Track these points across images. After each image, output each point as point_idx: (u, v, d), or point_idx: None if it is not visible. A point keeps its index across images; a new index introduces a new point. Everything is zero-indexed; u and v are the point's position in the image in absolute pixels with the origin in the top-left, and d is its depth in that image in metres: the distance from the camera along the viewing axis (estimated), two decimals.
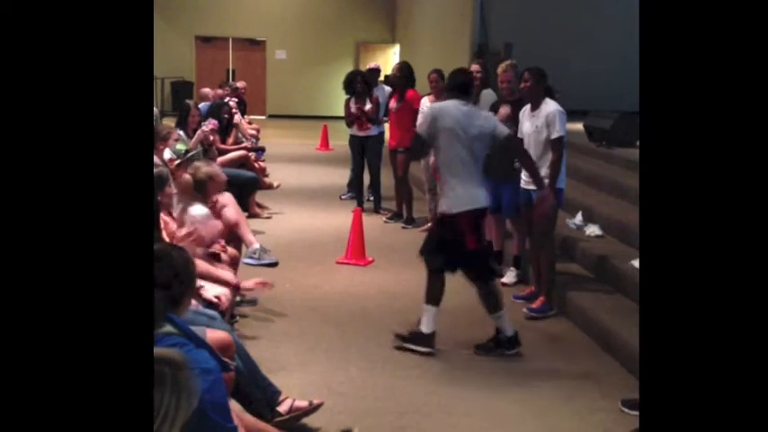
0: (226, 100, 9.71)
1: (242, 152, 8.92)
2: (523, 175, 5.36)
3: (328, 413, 3.71)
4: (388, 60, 19.25)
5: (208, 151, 7.49)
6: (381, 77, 9.76)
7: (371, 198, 9.07)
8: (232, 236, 5.45)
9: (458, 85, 4.73)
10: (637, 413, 3.58)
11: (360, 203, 8.66)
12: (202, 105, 9.21)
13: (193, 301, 3.69)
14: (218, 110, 8.80)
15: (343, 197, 9.62)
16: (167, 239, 3.94)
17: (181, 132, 7.03)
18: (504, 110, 5.83)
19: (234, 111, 9.50)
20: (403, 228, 8.21)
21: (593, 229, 6.44)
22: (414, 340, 4.63)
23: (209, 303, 3.91)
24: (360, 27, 21.08)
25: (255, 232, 6.73)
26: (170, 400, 1.58)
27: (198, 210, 4.50)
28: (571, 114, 5.32)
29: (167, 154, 5.79)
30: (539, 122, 5.16)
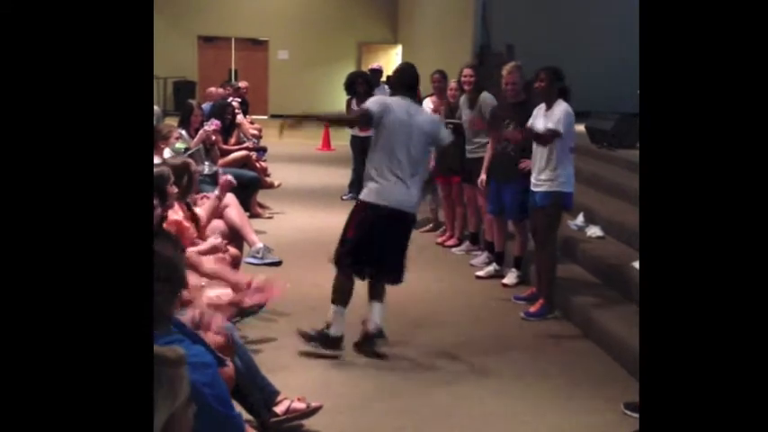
0: (229, 100, 9.71)
1: (244, 152, 8.93)
2: (533, 178, 5.33)
3: (328, 413, 3.71)
4: (390, 61, 19.24)
5: (210, 151, 7.49)
6: (383, 78, 9.76)
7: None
8: (234, 236, 5.46)
9: (405, 84, 4.69)
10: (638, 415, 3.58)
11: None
12: (205, 105, 9.21)
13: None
14: (221, 110, 8.80)
15: (344, 197, 9.62)
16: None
17: (183, 132, 7.03)
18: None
19: (236, 111, 9.51)
20: None
21: (594, 231, 6.44)
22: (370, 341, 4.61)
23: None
24: (362, 27, 21.09)
25: (257, 232, 6.73)
26: (157, 393, 1.60)
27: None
28: (575, 117, 5.29)
29: (167, 153, 5.79)
30: (550, 123, 5.13)
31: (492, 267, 6.39)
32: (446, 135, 4.64)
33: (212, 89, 11.18)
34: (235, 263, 4.92)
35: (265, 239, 6.82)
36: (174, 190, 4.12)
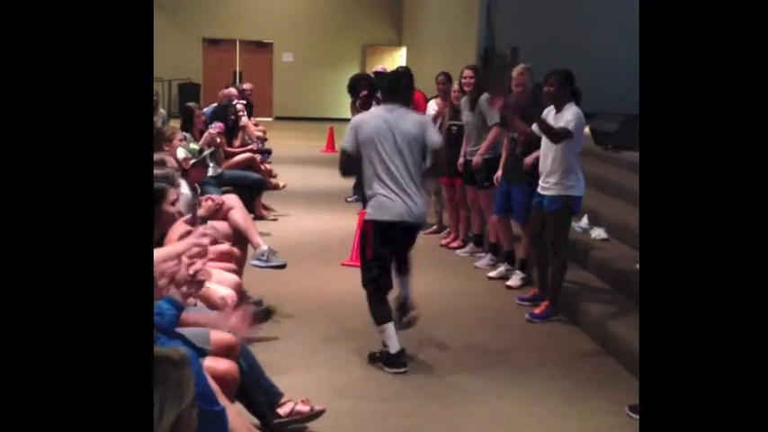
0: (234, 102, 9.73)
1: (248, 154, 8.95)
2: (541, 181, 5.32)
3: (333, 415, 3.71)
4: (394, 63, 19.25)
5: (215, 154, 7.51)
6: None
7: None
8: (239, 238, 5.46)
9: (386, 88, 4.65)
10: None
11: (365, 206, 8.65)
12: (207, 109, 9.24)
13: (199, 302, 3.70)
14: (223, 112, 8.81)
15: (348, 199, 9.63)
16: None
17: (186, 135, 7.04)
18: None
19: (241, 113, 9.53)
20: None
21: (598, 233, 6.43)
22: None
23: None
24: (366, 29, 21.11)
25: (261, 234, 6.72)
26: (163, 394, 1.60)
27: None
28: (584, 120, 5.28)
29: (181, 153, 5.78)
30: (559, 125, 5.12)
31: (503, 268, 6.38)
32: (435, 138, 4.45)
33: (225, 90, 11.19)
34: (239, 265, 4.92)
35: (270, 241, 6.82)
36: (180, 192, 4.08)
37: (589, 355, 4.82)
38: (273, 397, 3.53)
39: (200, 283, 2.98)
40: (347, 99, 9.18)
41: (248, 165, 8.77)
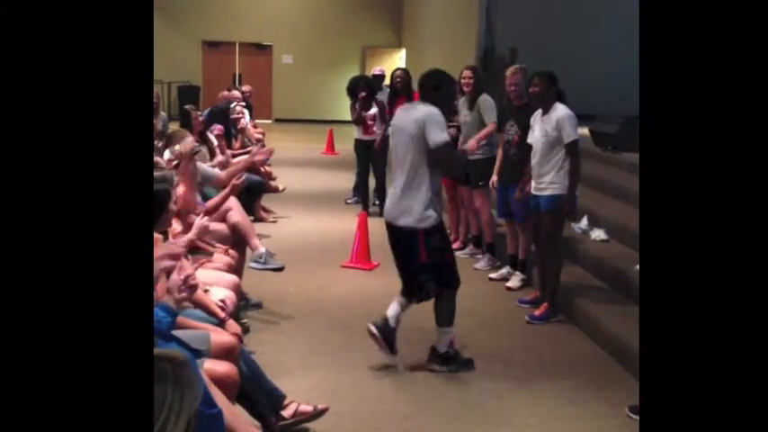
0: (233, 105, 9.73)
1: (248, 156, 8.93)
2: (533, 182, 5.33)
3: (333, 417, 3.71)
4: (394, 65, 19.23)
5: (215, 155, 7.50)
6: (386, 81, 9.78)
7: (377, 202, 9.08)
8: (237, 240, 5.46)
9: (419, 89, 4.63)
10: None
11: (365, 208, 8.67)
12: (206, 112, 9.24)
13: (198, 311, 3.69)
14: (222, 114, 8.81)
15: (348, 201, 9.64)
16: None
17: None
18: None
19: (241, 115, 9.53)
20: None
21: (598, 234, 6.43)
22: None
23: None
24: (366, 31, 21.11)
25: (261, 236, 6.74)
26: (173, 397, 1.59)
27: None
28: (577, 119, 5.30)
29: (167, 155, 5.78)
30: (548, 127, 5.14)
31: (505, 270, 6.38)
32: (433, 137, 4.14)
33: (226, 93, 11.19)
34: (237, 267, 4.92)
35: (269, 243, 6.82)
36: (178, 193, 4.08)
37: (589, 355, 4.82)
38: (276, 399, 3.53)
39: (193, 288, 2.97)
40: (347, 101, 9.18)
41: (248, 167, 8.75)
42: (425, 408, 3.99)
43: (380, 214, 8.68)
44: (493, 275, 6.39)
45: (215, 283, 4.16)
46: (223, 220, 5.36)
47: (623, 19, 12.72)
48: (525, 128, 5.59)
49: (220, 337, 3.31)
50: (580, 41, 13.52)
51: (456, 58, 13.25)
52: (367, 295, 5.91)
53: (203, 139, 7.24)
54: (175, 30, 19.79)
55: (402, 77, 8.38)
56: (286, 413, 3.53)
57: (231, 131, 9.05)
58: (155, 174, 3.20)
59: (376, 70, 9.93)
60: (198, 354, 2.64)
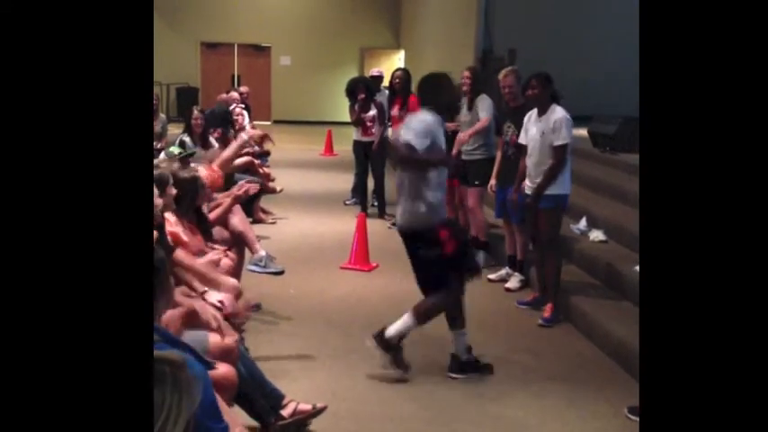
0: (232, 107, 9.73)
1: (247, 158, 8.94)
2: (527, 181, 5.35)
3: (332, 418, 3.71)
4: (393, 66, 19.24)
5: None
6: (385, 83, 9.79)
7: (376, 203, 9.08)
8: (236, 242, 5.46)
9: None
10: None
11: (364, 209, 8.68)
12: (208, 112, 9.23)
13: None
14: (222, 118, 8.80)
15: (347, 202, 9.64)
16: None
17: (187, 139, 7.03)
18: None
19: (239, 117, 9.53)
20: None
21: (596, 235, 6.44)
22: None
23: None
24: (364, 33, 21.12)
25: (260, 237, 6.74)
26: (171, 398, 1.59)
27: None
28: (575, 120, 5.32)
29: (162, 156, 5.79)
30: (545, 128, 5.16)
31: (504, 271, 6.37)
32: (404, 135, 4.22)
33: (224, 95, 11.18)
34: (236, 270, 4.92)
35: (268, 245, 6.83)
36: (173, 191, 4.11)
37: (587, 356, 4.82)
38: (275, 399, 3.53)
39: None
40: (345, 102, 9.19)
41: (246, 168, 8.76)
42: (425, 409, 3.99)
43: (379, 215, 8.80)
44: (492, 276, 6.39)
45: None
46: (223, 222, 5.36)
47: (621, 18, 12.73)
48: (521, 128, 5.61)
49: (218, 338, 3.31)
50: (578, 42, 13.53)
51: (455, 58, 13.26)
52: (366, 296, 5.91)
53: (204, 143, 7.24)
54: (174, 31, 19.79)
55: (401, 78, 8.39)
56: (285, 412, 3.53)
57: (227, 134, 9.03)
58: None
59: (374, 71, 9.94)
60: (209, 365, 2.62)
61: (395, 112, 8.33)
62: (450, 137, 6.91)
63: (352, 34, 21.04)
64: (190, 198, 4.47)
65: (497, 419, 3.91)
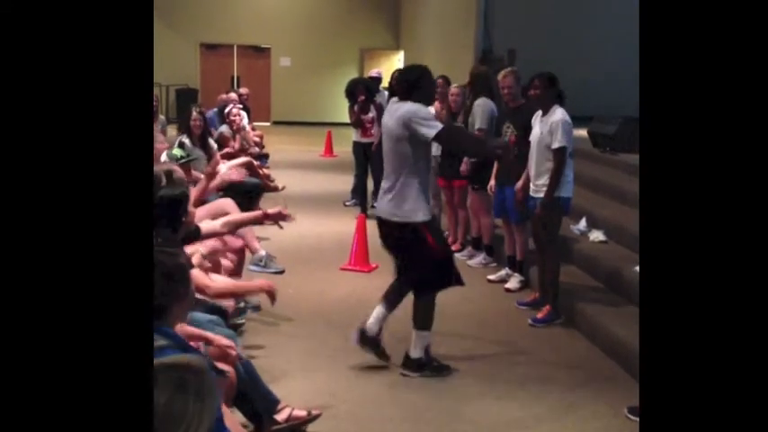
0: (229, 107, 9.73)
1: (246, 159, 8.94)
2: (531, 183, 5.34)
3: (332, 420, 3.71)
4: (392, 67, 19.24)
5: (212, 158, 7.49)
6: (385, 84, 9.80)
7: (375, 205, 9.07)
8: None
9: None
10: None
11: (364, 210, 8.67)
12: (209, 112, 9.25)
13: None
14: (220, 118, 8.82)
15: (347, 203, 9.63)
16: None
17: (186, 140, 7.03)
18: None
19: (238, 117, 9.53)
20: None
21: (596, 235, 6.43)
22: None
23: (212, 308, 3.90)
24: (364, 34, 21.12)
25: (259, 238, 6.74)
26: (194, 407, 1.57)
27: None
28: (575, 120, 5.31)
29: (163, 158, 5.77)
30: (545, 129, 5.16)
31: (504, 271, 6.37)
32: (425, 130, 4.10)
33: (224, 96, 11.18)
34: (236, 270, 4.92)
35: (268, 245, 6.82)
36: (193, 209, 3.98)
37: (587, 357, 4.81)
38: (270, 403, 3.53)
39: None
40: (345, 103, 9.20)
41: (246, 169, 8.76)
42: (424, 410, 3.98)
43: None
44: (491, 277, 6.39)
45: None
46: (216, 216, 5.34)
47: (621, 19, 12.74)
48: (522, 128, 5.61)
49: (218, 339, 3.30)
50: (578, 42, 13.53)
51: (454, 59, 13.27)
52: (366, 297, 5.90)
53: (204, 144, 7.24)
54: (173, 32, 19.79)
55: None
56: (280, 417, 3.52)
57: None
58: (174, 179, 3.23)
59: (373, 72, 9.94)
60: (220, 373, 2.61)
61: None
62: None
63: (351, 35, 21.04)
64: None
65: (498, 421, 3.90)
